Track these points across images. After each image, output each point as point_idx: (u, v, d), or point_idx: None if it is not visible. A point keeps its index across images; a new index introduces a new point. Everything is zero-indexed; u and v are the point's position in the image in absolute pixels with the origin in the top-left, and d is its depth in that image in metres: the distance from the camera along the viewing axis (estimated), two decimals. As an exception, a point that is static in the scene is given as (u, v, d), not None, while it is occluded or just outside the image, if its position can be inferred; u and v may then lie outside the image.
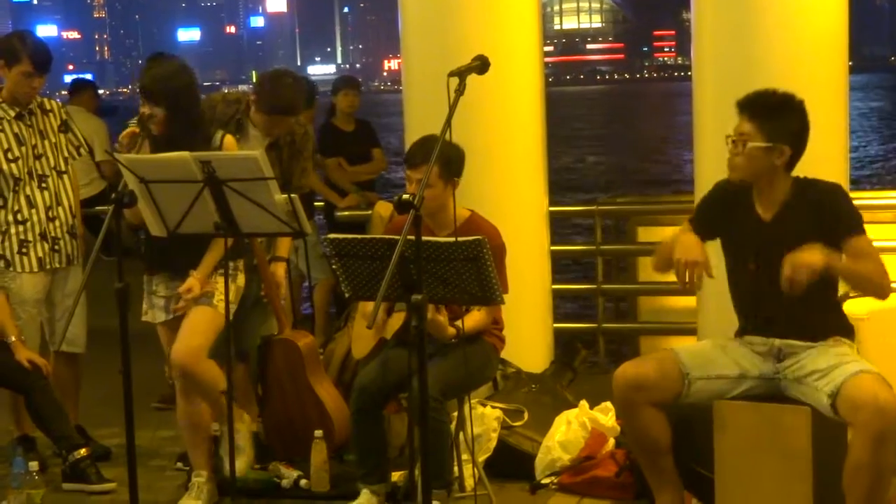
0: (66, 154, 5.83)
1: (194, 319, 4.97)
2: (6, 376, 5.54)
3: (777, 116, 4.26)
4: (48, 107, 5.82)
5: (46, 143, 5.77)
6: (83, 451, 5.50)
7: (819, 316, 4.26)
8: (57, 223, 5.74)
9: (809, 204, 4.26)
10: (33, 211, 5.69)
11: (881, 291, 4.23)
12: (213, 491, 5.14)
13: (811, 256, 4.06)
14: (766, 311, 4.34)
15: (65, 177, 5.81)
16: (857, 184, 21.93)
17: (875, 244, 6.01)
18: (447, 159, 4.73)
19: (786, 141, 4.24)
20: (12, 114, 5.68)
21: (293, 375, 5.51)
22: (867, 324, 4.41)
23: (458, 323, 4.78)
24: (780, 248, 4.18)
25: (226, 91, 6.69)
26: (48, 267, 5.72)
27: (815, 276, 4.05)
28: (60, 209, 5.77)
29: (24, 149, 5.68)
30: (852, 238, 4.20)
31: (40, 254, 5.69)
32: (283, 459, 5.42)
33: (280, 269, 5.57)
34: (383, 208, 6.81)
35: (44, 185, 5.72)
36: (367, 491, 4.93)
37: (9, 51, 5.63)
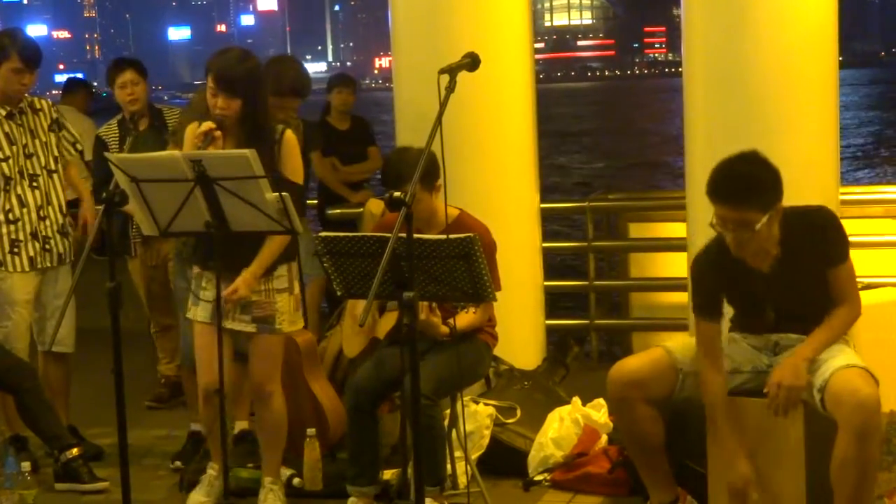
0: (56, 153, 5.82)
1: (265, 348, 4.89)
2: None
3: (755, 188, 4.11)
4: (38, 106, 5.82)
5: (37, 142, 5.76)
6: (75, 451, 5.49)
7: (816, 310, 4.26)
8: (48, 222, 5.73)
9: (800, 241, 4.22)
10: (24, 210, 5.67)
11: (852, 323, 4.32)
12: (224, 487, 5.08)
13: (795, 379, 4.09)
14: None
15: (55, 176, 5.80)
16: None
17: (866, 239, 6.06)
18: (425, 171, 4.46)
19: (776, 198, 4.15)
20: (3, 113, 5.66)
21: (290, 373, 5.46)
22: (859, 319, 4.43)
23: (451, 321, 4.78)
24: (793, 292, 4.25)
25: None
26: (39, 266, 5.70)
27: (802, 390, 4.12)
28: (51, 208, 5.76)
29: (14, 148, 5.66)
30: (833, 269, 4.24)
31: (31, 253, 5.67)
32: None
33: None
34: (375, 206, 6.78)
35: (35, 184, 5.71)
36: (354, 498, 4.92)
37: (-2, 48, 5.62)
